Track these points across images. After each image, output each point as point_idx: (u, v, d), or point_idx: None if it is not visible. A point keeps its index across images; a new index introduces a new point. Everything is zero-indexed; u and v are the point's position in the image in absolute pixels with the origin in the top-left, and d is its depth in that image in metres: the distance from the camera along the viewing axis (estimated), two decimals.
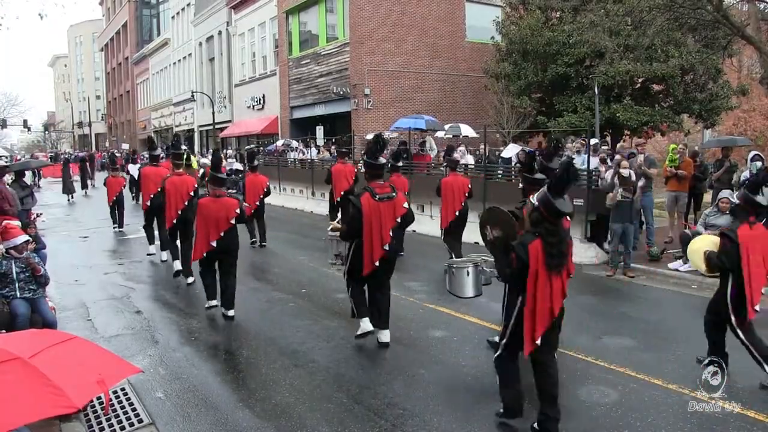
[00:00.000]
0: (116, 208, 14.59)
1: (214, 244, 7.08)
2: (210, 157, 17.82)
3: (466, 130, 18.93)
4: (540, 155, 6.68)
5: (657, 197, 12.32)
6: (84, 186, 26.96)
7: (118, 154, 31.85)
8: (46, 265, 6.97)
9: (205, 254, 7.22)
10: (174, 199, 8.98)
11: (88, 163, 29.89)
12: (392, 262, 6.31)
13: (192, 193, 9.02)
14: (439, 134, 19.77)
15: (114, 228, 14.69)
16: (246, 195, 12.15)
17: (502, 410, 4.57)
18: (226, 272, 7.30)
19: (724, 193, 9.31)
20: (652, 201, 11.26)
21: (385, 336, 6.28)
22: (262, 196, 12.11)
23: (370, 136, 21.12)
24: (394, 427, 4.57)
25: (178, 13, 43.82)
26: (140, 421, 4.80)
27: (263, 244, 12.19)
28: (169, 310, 7.85)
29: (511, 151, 14.91)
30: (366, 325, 6.16)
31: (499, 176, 13.72)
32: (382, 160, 6.37)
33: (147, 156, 12.69)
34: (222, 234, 7.09)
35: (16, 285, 6.14)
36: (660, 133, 20.00)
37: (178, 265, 9.33)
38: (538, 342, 4.20)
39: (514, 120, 19.11)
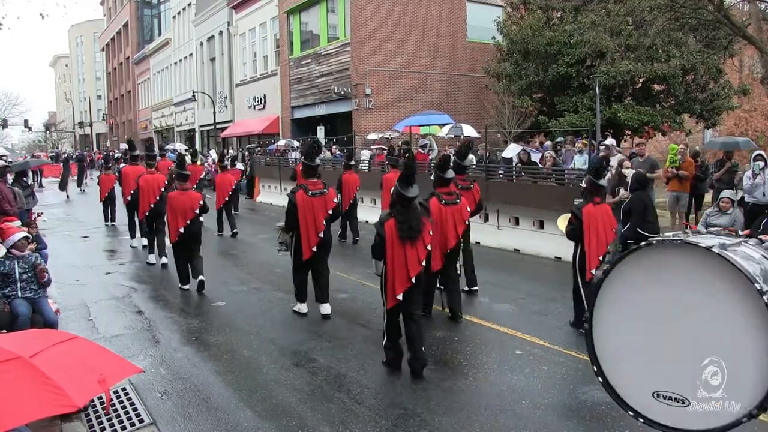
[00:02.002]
0: (108, 204, 15.40)
1: (181, 230, 8.39)
2: (211, 155, 18.22)
3: (468, 131, 18.92)
4: (455, 155, 7.81)
5: (658, 197, 12.32)
6: (79, 184, 27.27)
7: (118, 154, 31.99)
8: (47, 265, 6.97)
9: (176, 239, 8.52)
10: (147, 194, 10.22)
11: (84, 163, 30.28)
12: (328, 247, 7.32)
13: (162, 189, 10.18)
14: (441, 134, 19.76)
15: (107, 223, 15.42)
16: (216, 192, 13.91)
17: (384, 359, 5.63)
18: (194, 252, 8.69)
19: (725, 193, 9.32)
20: (653, 201, 11.26)
21: (325, 308, 7.27)
22: (230, 192, 13.74)
23: (371, 136, 21.28)
24: (395, 427, 4.57)
25: (179, 13, 43.85)
26: (141, 420, 4.80)
27: (235, 232, 13.52)
28: (171, 310, 7.86)
29: (512, 151, 14.89)
30: (303, 307, 7.36)
31: (500, 176, 13.70)
32: (318, 161, 7.39)
33: (128, 156, 13.84)
34: (188, 222, 8.43)
35: (18, 285, 6.15)
36: (661, 133, 20.00)
37: (152, 259, 10.52)
38: (400, 297, 5.33)
39: (515, 120, 19.11)
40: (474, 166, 14.43)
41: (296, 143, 24.70)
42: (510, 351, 6.12)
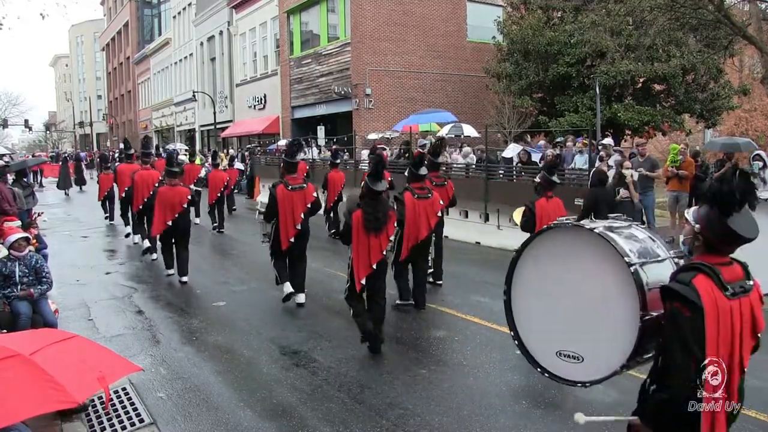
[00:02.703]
0: (107, 201, 15.71)
1: (170, 223, 8.84)
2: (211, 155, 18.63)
3: (468, 130, 18.92)
4: (429, 153, 8.23)
5: (658, 197, 12.32)
6: (78, 182, 27.50)
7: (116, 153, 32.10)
8: (48, 265, 6.96)
9: (163, 231, 9.01)
10: (141, 189, 10.71)
11: (84, 163, 30.42)
12: (305, 238, 7.73)
13: (156, 185, 10.32)
14: (441, 134, 19.75)
15: (106, 220, 15.83)
16: (209, 189, 14.67)
17: (361, 336, 6.00)
18: (182, 246, 9.10)
19: None
20: (653, 201, 11.25)
21: (300, 298, 7.69)
22: (222, 189, 14.59)
23: (371, 136, 21.28)
24: (395, 426, 4.57)
25: (179, 13, 43.84)
26: (141, 420, 4.80)
27: (221, 230, 14.24)
28: (171, 310, 7.86)
29: (513, 150, 14.89)
30: (287, 288, 7.58)
31: (500, 176, 13.71)
32: (298, 158, 8.00)
33: (124, 154, 14.63)
34: (177, 215, 8.87)
35: (19, 287, 6.15)
36: (661, 133, 20.00)
37: (147, 243, 10.95)
38: (363, 282, 5.83)
39: (516, 120, 19.10)
40: (473, 164, 14.45)
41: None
42: (510, 351, 6.10)
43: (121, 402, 5.08)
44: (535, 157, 13.57)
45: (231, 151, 28.49)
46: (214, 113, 35.53)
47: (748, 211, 2.58)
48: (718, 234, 2.55)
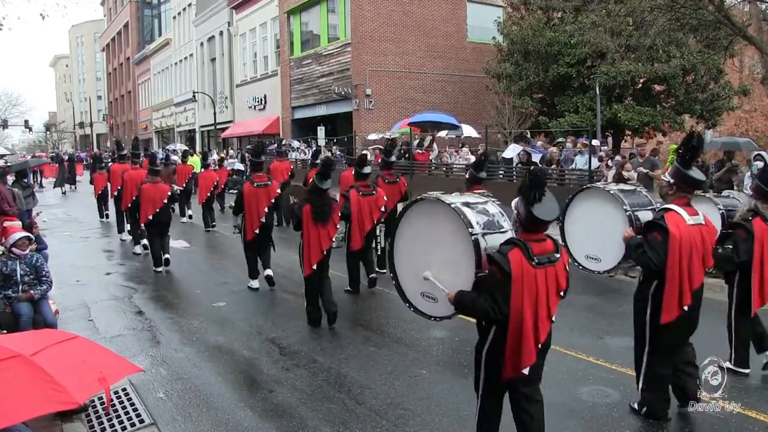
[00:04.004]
0: (101, 200, 16.22)
1: (150, 216, 9.72)
2: (212, 155, 18.86)
3: (468, 131, 18.93)
4: (382, 153, 9.18)
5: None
6: (70, 181, 27.56)
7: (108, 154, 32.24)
8: (48, 265, 6.96)
9: (148, 223, 9.89)
10: (130, 187, 11.24)
11: (75, 163, 30.68)
12: (269, 229, 8.71)
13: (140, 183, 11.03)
14: (441, 134, 19.76)
15: (101, 219, 16.28)
16: (199, 189, 15.33)
17: (307, 319, 6.98)
18: (164, 234, 10.05)
19: (725, 194, 9.32)
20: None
21: (268, 271, 8.64)
22: (212, 189, 14.97)
23: (371, 137, 21.29)
24: (395, 427, 4.57)
25: (179, 14, 43.86)
26: (141, 421, 4.80)
27: (213, 226, 14.61)
28: (171, 311, 7.86)
29: (513, 151, 14.91)
30: (254, 283, 8.61)
31: (501, 176, 13.72)
32: (263, 158, 9.15)
33: (117, 155, 15.50)
34: (158, 210, 9.74)
35: (20, 287, 6.15)
36: (661, 134, 19.99)
37: (138, 249, 11.56)
38: (314, 267, 6.75)
39: (516, 120, 19.11)
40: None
41: (296, 143, 24.73)
42: None
43: (122, 403, 5.08)
44: (536, 157, 13.59)
45: (220, 154, 28.45)
46: (215, 114, 35.53)
47: (550, 198, 3.53)
48: (526, 218, 3.55)
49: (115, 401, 5.05)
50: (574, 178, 11.83)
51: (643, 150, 11.66)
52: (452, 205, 3.82)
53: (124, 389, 5.27)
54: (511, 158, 14.78)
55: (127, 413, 4.92)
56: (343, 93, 24.33)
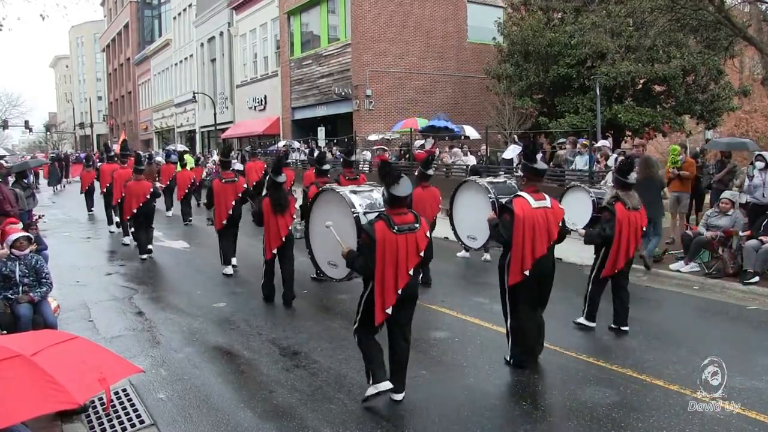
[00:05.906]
0: (88, 195, 17.80)
1: (135, 210, 10.93)
2: (212, 156, 19.14)
3: (469, 131, 18.94)
4: (342, 152, 10.31)
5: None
6: (59, 181, 27.99)
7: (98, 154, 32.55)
8: (48, 265, 6.95)
9: (132, 216, 11.08)
10: (119, 185, 12.04)
11: (65, 162, 31.21)
12: (236, 219, 9.75)
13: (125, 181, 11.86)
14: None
15: (90, 212, 17.74)
16: (177, 187, 16.38)
17: (262, 294, 8.08)
18: (147, 225, 11.18)
19: (726, 194, 9.31)
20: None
21: (233, 261, 9.78)
22: (189, 186, 16.07)
23: (371, 137, 21.31)
24: (395, 427, 4.57)
25: (179, 14, 43.89)
26: (141, 421, 4.79)
27: (189, 220, 15.82)
28: (171, 311, 7.85)
29: (513, 152, 14.91)
30: (228, 269, 9.66)
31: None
32: (231, 157, 10.47)
33: (105, 156, 17.16)
34: (141, 204, 10.93)
35: (20, 288, 6.14)
36: (662, 134, 19.99)
37: (126, 240, 12.65)
38: (275, 252, 7.78)
39: (516, 121, 19.11)
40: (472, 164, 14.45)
41: (296, 144, 24.73)
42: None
43: (122, 403, 5.08)
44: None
45: (232, 151, 28.52)
46: (215, 114, 35.54)
47: (405, 181, 4.59)
48: (388, 197, 4.64)
49: (115, 402, 5.05)
50: (573, 179, 11.81)
51: (640, 152, 11.62)
52: (341, 193, 5.11)
53: (124, 390, 5.27)
54: (511, 159, 14.79)
55: (127, 414, 4.92)
56: (343, 94, 24.33)
